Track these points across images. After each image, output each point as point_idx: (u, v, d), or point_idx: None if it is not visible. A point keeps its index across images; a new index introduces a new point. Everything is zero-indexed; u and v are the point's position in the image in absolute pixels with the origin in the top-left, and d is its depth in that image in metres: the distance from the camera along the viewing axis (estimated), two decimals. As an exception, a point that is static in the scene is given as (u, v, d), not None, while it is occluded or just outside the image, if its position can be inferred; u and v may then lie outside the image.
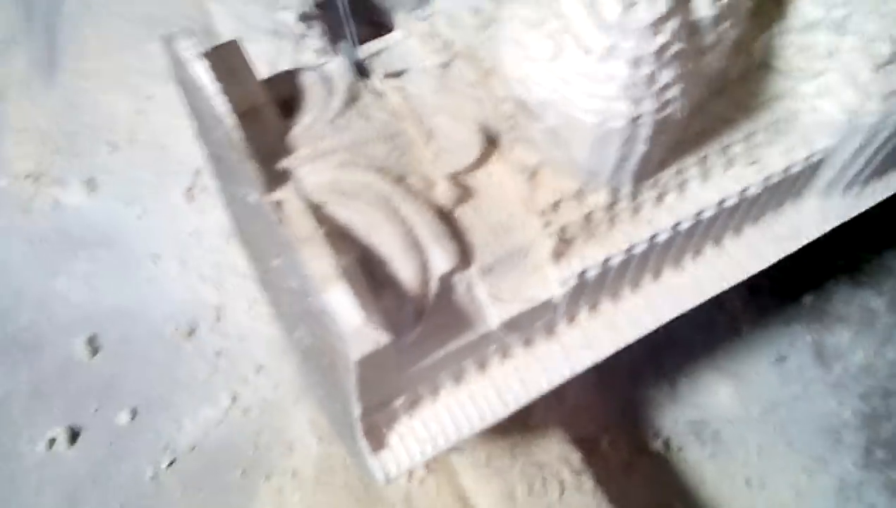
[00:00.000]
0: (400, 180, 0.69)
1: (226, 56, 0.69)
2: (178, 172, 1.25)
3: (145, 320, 1.16)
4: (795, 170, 0.78)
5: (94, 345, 1.13)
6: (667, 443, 1.11)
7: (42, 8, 1.39)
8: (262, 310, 1.15)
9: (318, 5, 1.18)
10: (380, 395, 0.71)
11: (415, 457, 0.75)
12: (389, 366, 0.66)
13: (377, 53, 0.78)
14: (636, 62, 0.60)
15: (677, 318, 1.12)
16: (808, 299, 1.21)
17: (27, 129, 1.28)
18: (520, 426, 0.96)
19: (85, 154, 1.25)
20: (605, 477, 1.05)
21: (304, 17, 1.14)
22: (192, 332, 1.16)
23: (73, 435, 1.07)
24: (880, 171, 0.87)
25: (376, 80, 0.73)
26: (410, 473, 1.04)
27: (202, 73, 0.65)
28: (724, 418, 1.13)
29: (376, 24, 1.35)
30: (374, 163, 0.69)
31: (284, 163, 0.68)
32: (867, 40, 0.71)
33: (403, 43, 0.78)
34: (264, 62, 1.08)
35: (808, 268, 1.23)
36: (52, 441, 1.07)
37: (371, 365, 0.62)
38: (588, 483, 0.93)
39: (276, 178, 0.67)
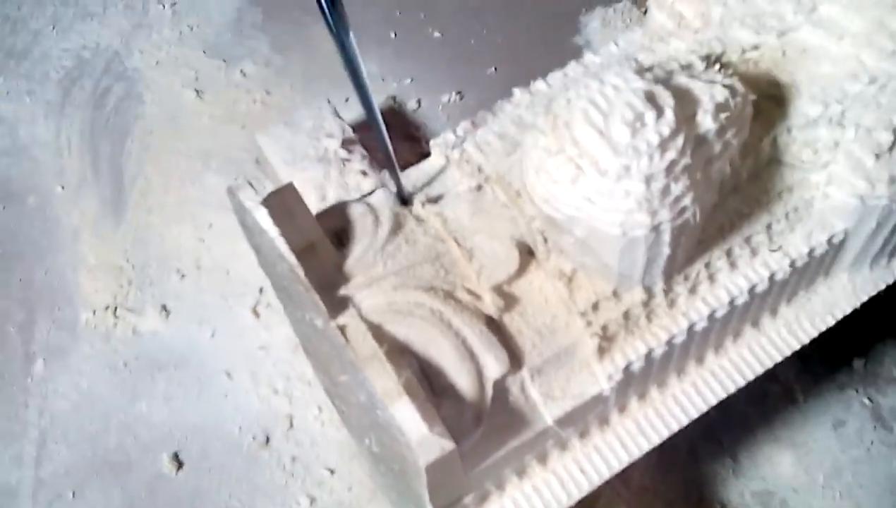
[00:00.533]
0: (448, 296, 0.75)
1: (282, 198, 0.78)
2: (244, 293, 1.35)
3: (223, 433, 1.24)
4: (819, 251, 0.82)
5: (178, 461, 1.21)
6: (734, 517, 1.13)
7: (107, 151, 1.53)
8: (332, 417, 1.22)
9: (355, 129, 1.28)
10: (449, 496, 0.76)
11: (487, 551, 0.79)
12: (455, 469, 0.72)
13: (416, 180, 0.86)
14: (649, 179, 0.66)
15: (730, 394, 1.15)
16: (858, 363, 1.23)
17: (102, 265, 1.40)
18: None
19: (156, 283, 1.36)
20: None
21: (346, 143, 1.24)
22: (267, 441, 1.23)
23: (167, 549, 1.14)
24: (905, 241, 0.91)
25: (418, 207, 0.81)
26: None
27: (263, 219, 0.74)
28: (789, 487, 1.15)
29: (412, 138, 1.46)
30: (423, 283, 0.76)
31: (343, 292, 0.76)
32: (866, 131, 0.77)
33: (439, 169, 0.86)
34: (313, 187, 1.18)
35: (856, 333, 1.25)
36: (146, 556, 1.14)
37: (438, 469, 0.67)
38: (656, 564, 0.95)
39: (337, 305, 0.74)
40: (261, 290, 1.35)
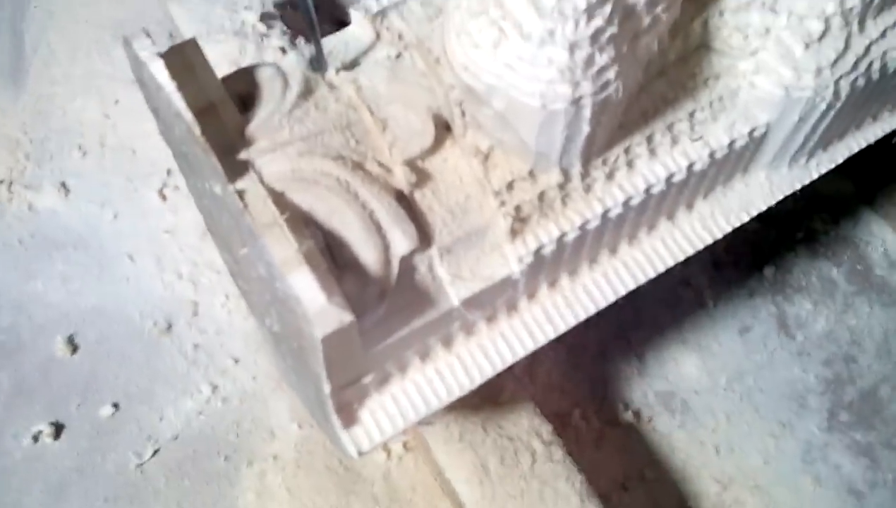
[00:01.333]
0: (358, 167, 0.71)
1: (184, 55, 0.71)
2: (150, 173, 1.28)
3: (123, 318, 1.19)
4: (739, 144, 0.81)
5: (73, 344, 1.16)
6: (637, 415, 1.15)
7: (6, 16, 1.41)
8: (238, 305, 1.18)
9: (277, 5, 1.20)
10: (348, 373, 0.74)
11: (385, 432, 0.78)
12: (354, 344, 0.69)
13: (333, 48, 0.80)
14: (573, 46, 0.63)
15: (644, 295, 1.16)
16: (769, 272, 1.25)
17: (-3, 136, 1.30)
18: (491, 403, 0.99)
19: (56, 158, 1.27)
20: (577, 450, 1.09)
21: (266, 17, 1.16)
22: (169, 328, 1.18)
23: (58, 430, 1.10)
24: (824, 144, 0.90)
25: (331, 72, 0.76)
26: (389, 452, 1.08)
27: (160, 72, 0.67)
28: (691, 389, 1.17)
29: (341, 23, 1.38)
30: (332, 151, 0.71)
31: (244, 155, 0.70)
32: (798, 18, 0.75)
33: (358, 37, 0.80)
34: (228, 61, 1.10)
35: (768, 242, 1.27)
36: (36, 437, 1.09)
37: (336, 343, 0.65)
38: (558, 452, 0.96)
39: (237, 169, 0.69)
40: (168, 172, 1.28)
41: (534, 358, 1.16)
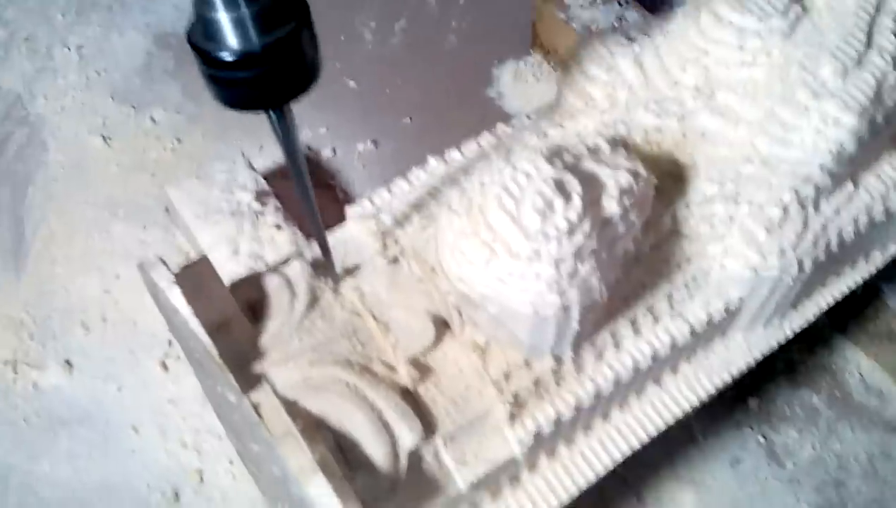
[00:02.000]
0: (364, 370, 0.77)
1: (195, 273, 0.77)
2: (151, 345, 1.32)
3: (130, 491, 1.20)
4: (717, 318, 0.87)
5: (82, 523, 1.17)
6: (640, 558, 1.17)
7: (7, 200, 1.47)
8: (242, 470, 1.20)
9: (268, 180, 1.27)
10: (364, 570, 0.77)
11: None
12: (371, 546, 0.72)
13: (332, 247, 0.87)
14: (558, 263, 0.69)
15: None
16: (753, 403, 1.30)
17: (0, 319, 1.34)
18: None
19: (60, 337, 1.31)
20: None
21: (259, 196, 1.23)
22: (177, 497, 1.20)
23: None
24: (795, 304, 0.97)
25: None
26: None
27: (177, 299, 0.73)
28: (690, 527, 1.20)
29: (328, 186, 1.46)
30: (339, 357, 0.77)
31: (258, 368, 0.76)
32: (759, 207, 0.82)
33: (356, 238, 0.87)
34: (226, 241, 1.17)
35: (750, 375, 1.32)
36: None
37: (354, 548, 0.68)
38: None
39: (251, 382, 0.74)
40: (169, 343, 1.32)
41: None
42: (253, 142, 1.49)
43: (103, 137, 1.52)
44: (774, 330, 0.96)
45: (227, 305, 0.78)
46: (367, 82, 1.64)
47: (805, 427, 1.29)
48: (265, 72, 0.57)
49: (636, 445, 0.91)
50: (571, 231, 0.69)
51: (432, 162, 0.91)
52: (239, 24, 0.55)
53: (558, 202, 0.69)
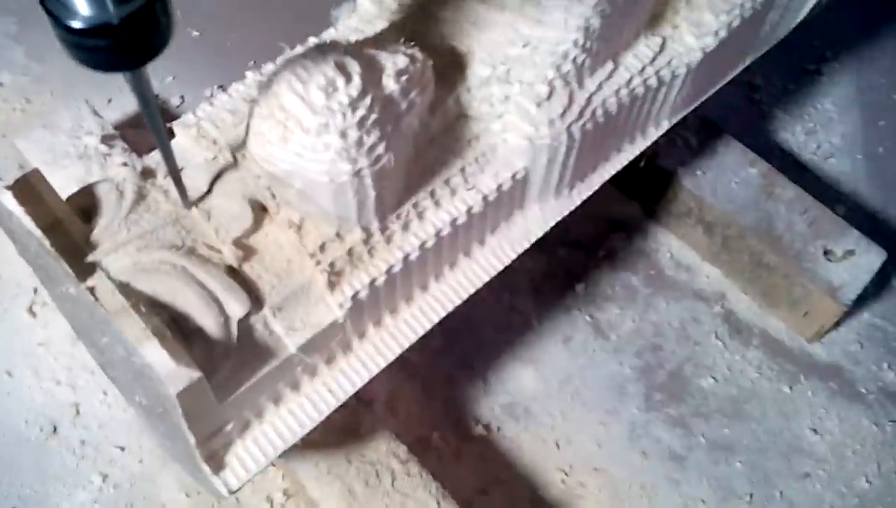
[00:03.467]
0: (191, 252, 0.86)
1: (28, 183, 0.85)
2: (16, 294, 1.37)
3: (9, 428, 1.27)
4: (506, 187, 1.01)
5: (-38, 461, 1.23)
6: (487, 427, 1.32)
7: None
8: (117, 399, 1.28)
9: (116, 127, 1.34)
10: (209, 424, 0.87)
11: (251, 469, 0.91)
12: (208, 397, 0.82)
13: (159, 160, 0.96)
14: (344, 133, 0.81)
15: (480, 325, 1.35)
16: (580, 288, 1.46)
17: None
18: (352, 437, 1.14)
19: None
20: (439, 467, 1.25)
21: (106, 139, 1.30)
22: (55, 430, 1.27)
23: (-43, 545, 1.17)
24: (581, 176, 1.12)
25: (160, 178, 0.91)
26: (272, 501, 1.20)
27: (10, 202, 0.81)
28: (530, 397, 1.35)
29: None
30: (166, 243, 0.86)
31: (91, 258, 0.84)
32: (528, 85, 0.96)
33: (182, 147, 0.96)
34: (76, 183, 1.22)
35: (577, 264, 1.49)
36: (-64, 555, 1.15)
37: (190, 398, 0.78)
38: (415, 468, 1.11)
39: (86, 270, 0.82)
40: (35, 291, 1.38)
41: (392, 394, 1.32)
42: (101, 96, 1.54)
43: (-51, 102, 1.55)
44: (565, 199, 1.11)
45: (59, 208, 0.86)
46: (210, 30, 1.71)
47: (626, 304, 1.46)
48: (122, 41, 0.60)
49: (450, 308, 1.03)
50: (354, 105, 0.81)
51: (249, 74, 1.01)
52: None
53: (340, 80, 0.81)
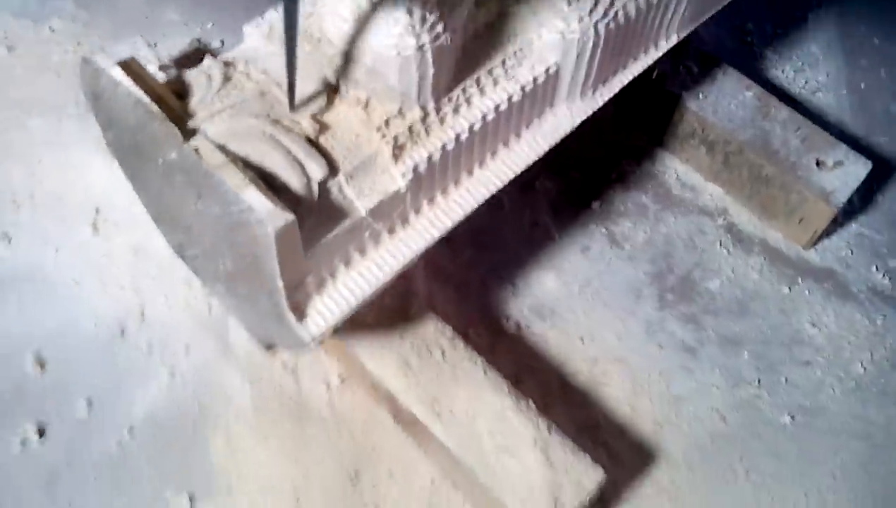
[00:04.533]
0: (276, 123, 0.99)
1: (130, 66, 0.98)
2: (79, 214, 1.49)
3: (80, 332, 1.38)
4: (541, 80, 1.14)
5: (40, 361, 1.34)
6: (517, 325, 1.45)
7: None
8: (177, 300, 1.40)
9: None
10: (295, 273, 0.99)
11: (329, 320, 1.03)
12: (297, 243, 0.95)
13: (236, 55, 1.08)
14: (410, 9, 0.94)
15: (508, 240, 1.48)
16: (596, 205, 1.60)
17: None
18: (403, 318, 1.26)
19: (-8, 216, 1.47)
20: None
21: (163, 67, 1.42)
22: (123, 332, 1.38)
23: (41, 431, 1.27)
24: (603, 80, 1.26)
25: (241, 65, 1.04)
26: (329, 384, 1.32)
27: (119, 75, 0.94)
28: (554, 298, 1.48)
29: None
30: (254, 113, 0.99)
31: (191, 124, 0.97)
32: (556, -15, 1.10)
33: (255, 46, 1.09)
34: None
35: (592, 185, 1.62)
36: (23, 440, 1.26)
37: (285, 239, 0.90)
38: (460, 345, 1.24)
39: (187, 135, 0.95)
40: (96, 211, 1.49)
41: (430, 297, 1.44)
42: (146, 41, 1.67)
43: (7, 47, 1.67)
44: (590, 99, 1.25)
45: (158, 86, 0.99)
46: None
47: (637, 219, 1.60)
48: None
49: (493, 190, 1.17)
50: (418, -14, 0.95)
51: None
52: None
53: (408, -35, 0.94)
